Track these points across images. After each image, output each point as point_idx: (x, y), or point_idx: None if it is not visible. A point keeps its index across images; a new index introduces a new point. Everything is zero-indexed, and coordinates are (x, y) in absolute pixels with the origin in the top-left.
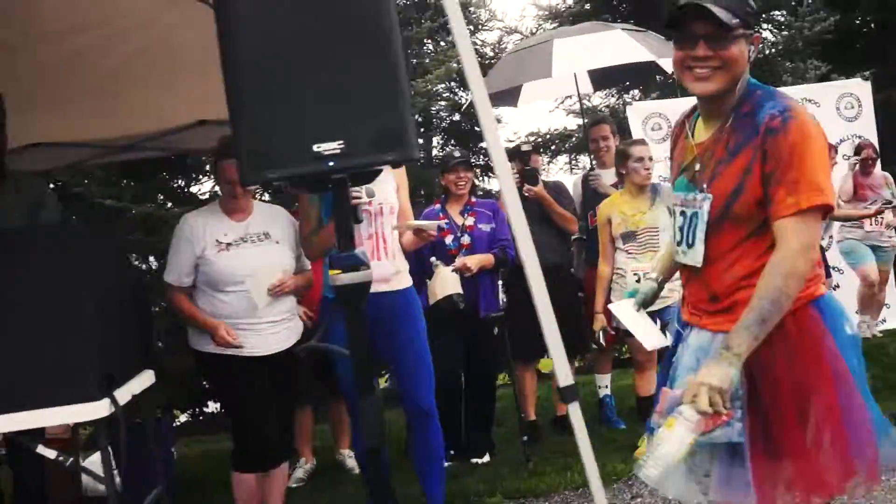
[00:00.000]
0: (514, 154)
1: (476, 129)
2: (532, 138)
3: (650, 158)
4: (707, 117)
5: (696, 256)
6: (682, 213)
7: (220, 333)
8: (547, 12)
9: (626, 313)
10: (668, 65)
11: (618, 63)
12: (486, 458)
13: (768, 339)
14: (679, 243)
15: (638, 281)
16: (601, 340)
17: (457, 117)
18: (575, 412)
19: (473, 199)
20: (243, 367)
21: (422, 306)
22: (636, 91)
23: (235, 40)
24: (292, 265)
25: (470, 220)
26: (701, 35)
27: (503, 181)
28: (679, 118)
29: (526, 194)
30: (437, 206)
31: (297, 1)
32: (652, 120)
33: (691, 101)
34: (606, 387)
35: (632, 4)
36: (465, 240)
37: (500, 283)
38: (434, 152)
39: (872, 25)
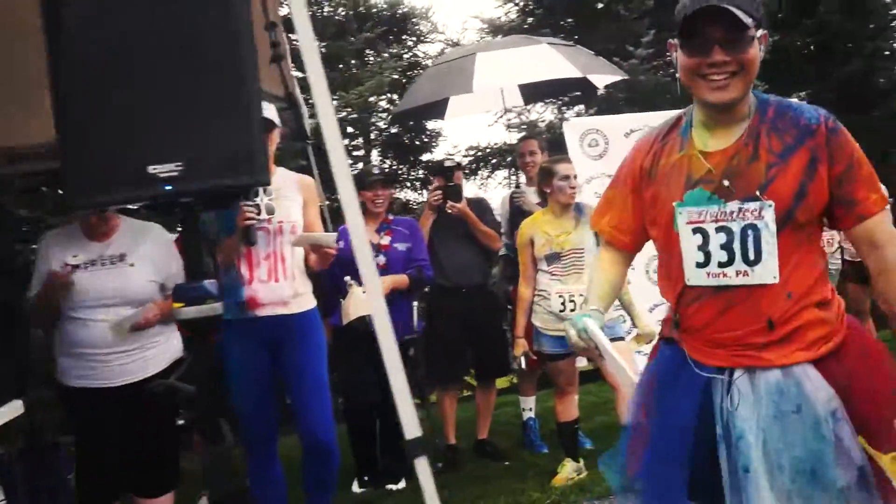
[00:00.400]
0: (438, 170)
1: (417, 141)
2: (472, 152)
3: (575, 177)
4: (714, 126)
5: (766, 273)
6: (723, 228)
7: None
8: (488, 26)
9: (604, 341)
10: (598, 81)
11: (540, 79)
12: (402, 485)
13: (847, 352)
14: (726, 264)
15: (563, 304)
16: (523, 366)
17: (395, 130)
18: (423, 470)
19: (391, 217)
20: (86, 398)
21: (335, 326)
22: (581, 106)
23: (65, 52)
24: (151, 289)
25: (386, 240)
26: (717, 39)
27: (340, 180)
28: (656, 132)
29: (449, 211)
30: None
31: (136, 12)
32: (589, 136)
33: (631, 119)
34: (531, 409)
35: (575, 18)
36: (381, 260)
37: (415, 304)
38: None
39: (812, 47)
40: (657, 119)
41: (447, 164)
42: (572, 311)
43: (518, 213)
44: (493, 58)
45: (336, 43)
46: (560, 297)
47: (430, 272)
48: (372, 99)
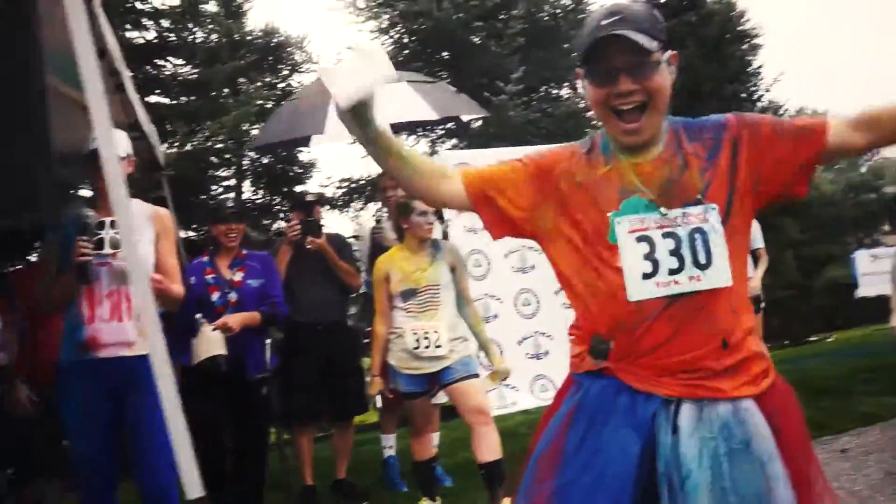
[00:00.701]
0: (298, 204)
1: (290, 171)
2: (345, 184)
3: (433, 213)
4: (633, 148)
5: (718, 276)
6: (669, 234)
7: None
8: None
9: None
10: (466, 115)
11: (395, 122)
12: None
13: (776, 390)
14: (676, 272)
15: (417, 341)
16: (378, 405)
17: (267, 160)
18: None
19: (244, 252)
20: None
21: (185, 366)
22: (455, 139)
23: None
24: None
25: (238, 276)
26: (622, 67)
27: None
28: (571, 148)
29: (308, 246)
30: (206, 258)
31: None
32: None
33: (502, 153)
34: (391, 447)
35: (449, 52)
36: (233, 296)
37: (268, 341)
38: (246, 196)
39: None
40: (526, 153)
41: (307, 198)
42: (426, 348)
43: (379, 248)
44: None
45: (207, 69)
46: (414, 334)
47: (285, 309)
48: (245, 128)
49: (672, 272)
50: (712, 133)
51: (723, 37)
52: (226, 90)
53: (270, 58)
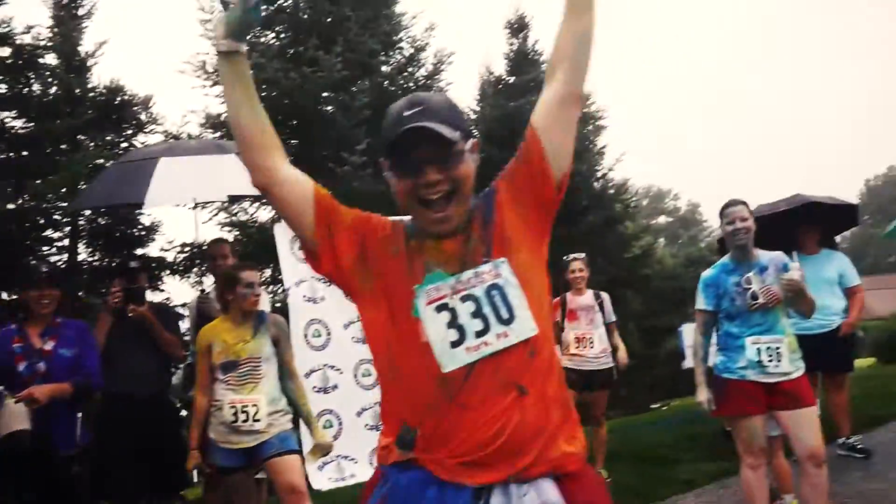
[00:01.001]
0: (121, 271)
1: (131, 234)
2: (187, 249)
3: (259, 284)
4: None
5: (524, 327)
6: (467, 297)
7: None
8: (208, 121)
9: None
10: None
11: (214, 199)
12: None
13: (585, 474)
14: (482, 333)
15: (235, 415)
16: (195, 479)
17: (104, 221)
18: None
19: (58, 320)
20: None
21: None
22: None
23: None
24: None
25: (50, 344)
26: (426, 158)
27: None
28: (392, 221)
29: (130, 314)
30: (14, 326)
31: None
32: None
33: None
34: None
35: (297, 121)
36: (42, 366)
37: (79, 415)
38: (82, 258)
39: None
40: None
41: (131, 264)
42: (244, 422)
43: (204, 318)
44: (176, 165)
45: (42, 124)
46: (233, 407)
47: (99, 380)
48: (82, 186)
49: (479, 334)
50: (486, 200)
51: None
52: (64, 146)
53: (114, 115)
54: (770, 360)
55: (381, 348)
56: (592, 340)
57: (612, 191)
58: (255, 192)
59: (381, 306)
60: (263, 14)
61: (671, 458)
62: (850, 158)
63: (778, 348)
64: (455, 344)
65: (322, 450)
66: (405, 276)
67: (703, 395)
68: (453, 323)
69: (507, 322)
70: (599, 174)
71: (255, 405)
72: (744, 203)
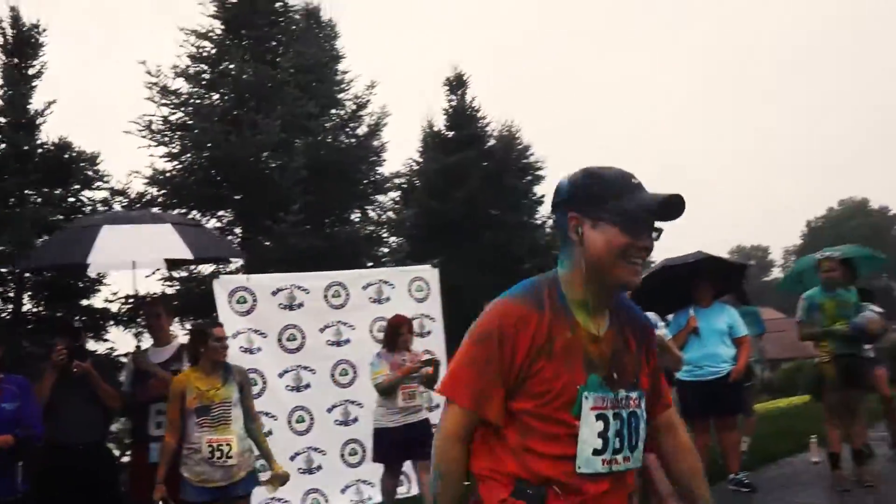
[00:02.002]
0: (65, 329)
1: (79, 284)
2: (131, 300)
3: (225, 338)
4: (595, 308)
5: (637, 460)
6: (616, 415)
7: None
8: (149, 179)
9: None
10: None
11: (152, 266)
12: None
13: None
14: (618, 450)
15: (212, 452)
16: None
17: (50, 273)
18: None
19: (0, 376)
20: None
21: None
22: (240, 261)
23: None
24: None
25: None
26: (652, 227)
27: None
28: (528, 303)
29: (74, 370)
30: None
31: None
32: (238, 293)
33: (280, 278)
34: None
35: (238, 180)
36: None
37: (20, 465)
38: (27, 308)
39: (465, 215)
40: (304, 279)
41: (75, 324)
42: (219, 458)
43: (139, 372)
44: (117, 233)
45: None
46: (210, 445)
47: (40, 430)
48: (28, 240)
49: (615, 451)
50: (641, 327)
51: (505, 170)
52: (12, 201)
53: (62, 172)
54: None
55: (534, 417)
56: None
57: (548, 238)
58: (189, 255)
59: (551, 394)
60: (208, 78)
61: None
62: (794, 201)
63: None
64: (597, 452)
65: (279, 480)
66: (567, 372)
67: None
68: (603, 433)
69: (633, 450)
70: (539, 221)
71: (228, 444)
72: None
